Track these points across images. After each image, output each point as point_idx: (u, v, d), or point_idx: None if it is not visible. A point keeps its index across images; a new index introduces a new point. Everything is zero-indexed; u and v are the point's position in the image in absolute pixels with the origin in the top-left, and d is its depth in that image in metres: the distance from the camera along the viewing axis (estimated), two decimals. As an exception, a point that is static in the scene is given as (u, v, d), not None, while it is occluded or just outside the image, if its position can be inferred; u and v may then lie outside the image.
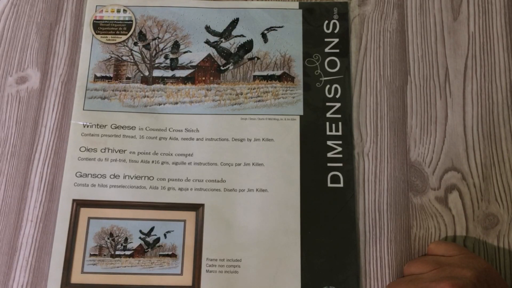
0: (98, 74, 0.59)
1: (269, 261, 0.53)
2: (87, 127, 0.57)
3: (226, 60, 0.60)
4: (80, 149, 0.56)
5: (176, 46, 0.60)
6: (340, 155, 0.56)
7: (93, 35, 0.60)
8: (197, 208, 0.54)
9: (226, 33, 0.60)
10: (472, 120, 0.57)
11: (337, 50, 0.60)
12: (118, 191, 0.54)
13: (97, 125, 0.57)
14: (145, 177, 0.55)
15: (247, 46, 0.60)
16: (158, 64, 0.59)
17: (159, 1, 0.61)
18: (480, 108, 0.57)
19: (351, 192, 0.55)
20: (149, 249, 0.53)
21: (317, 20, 0.61)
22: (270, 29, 0.60)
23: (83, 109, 0.57)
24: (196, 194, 0.55)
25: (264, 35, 0.60)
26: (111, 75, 0.59)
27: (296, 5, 0.61)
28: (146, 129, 0.57)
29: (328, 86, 0.58)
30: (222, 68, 0.59)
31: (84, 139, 0.56)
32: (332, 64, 0.59)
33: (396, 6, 0.61)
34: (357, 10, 0.61)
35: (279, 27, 0.60)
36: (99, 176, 0.55)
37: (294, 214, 0.54)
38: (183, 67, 0.59)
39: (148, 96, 0.58)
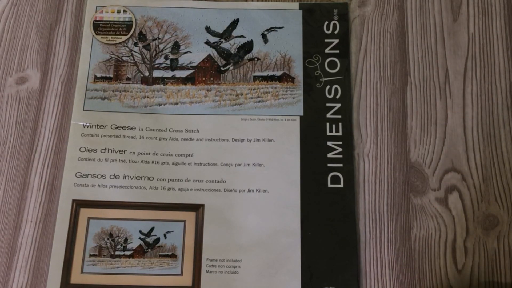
0: (98, 75, 0.59)
1: (269, 261, 0.52)
2: (87, 127, 0.57)
3: (226, 61, 0.60)
4: (80, 150, 0.56)
5: (176, 46, 0.60)
6: (340, 156, 0.56)
7: (93, 35, 0.60)
8: (197, 208, 0.54)
9: (226, 34, 0.60)
10: (472, 121, 0.57)
11: (337, 51, 0.60)
12: (118, 191, 0.54)
13: (97, 125, 0.57)
14: (145, 177, 0.55)
15: (247, 46, 0.60)
16: (158, 65, 0.59)
17: (159, 2, 0.61)
18: (480, 109, 0.57)
19: (351, 192, 0.55)
20: (149, 250, 0.53)
21: (317, 21, 0.61)
22: (270, 29, 0.60)
23: (83, 110, 0.57)
24: (196, 194, 0.55)
25: (264, 36, 0.60)
26: (111, 76, 0.59)
27: (296, 6, 0.61)
28: (146, 129, 0.57)
29: (328, 86, 0.58)
30: (222, 68, 0.59)
31: (84, 139, 0.56)
32: (332, 64, 0.59)
33: (396, 7, 0.61)
34: (357, 11, 0.61)
35: (279, 27, 0.60)
36: (99, 176, 0.55)
37: (294, 214, 0.54)
38: (183, 68, 0.59)
39: (148, 97, 0.58)
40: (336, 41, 0.60)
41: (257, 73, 0.59)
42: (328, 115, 0.57)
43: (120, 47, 0.60)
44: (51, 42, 0.60)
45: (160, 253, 0.53)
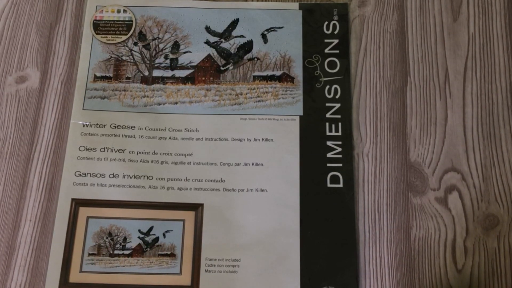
0: (98, 74, 0.59)
1: (268, 261, 0.52)
2: (87, 126, 0.57)
3: (226, 61, 0.60)
4: (79, 149, 0.56)
5: (176, 46, 0.60)
6: (340, 156, 0.56)
7: (93, 35, 0.60)
8: (196, 208, 0.54)
9: (226, 34, 0.60)
10: (472, 120, 0.57)
11: (337, 51, 0.60)
12: (117, 190, 0.54)
13: (97, 124, 0.57)
14: (144, 176, 0.55)
15: (247, 46, 0.60)
16: (158, 64, 0.59)
17: (159, 1, 0.61)
18: (480, 109, 0.57)
19: (351, 192, 0.55)
20: (148, 249, 0.53)
21: (317, 21, 0.61)
22: (270, 29, 0.60)
23: (83, 109, 0.57)
24: (195, 194, 0.54)
25: (264, 36, 0.60)
26: (111, 75, 0.59)
27: (296, 6, 0.61)
28: (145, 128, 0.57)
29: (328, 86, 0.58)
30: (222, 68, 0.59)
31: (83, 138, 0.56)
32: (332, 64, 0.59)
33: (396, 7, 0.61)
34: (357, 11, 0.61)
35: (279, 27, 0.60)
36: (98, 175, 0.55)
37: (294, 214, 0.54)
38: (183, 67, 0.59)
39: (147, 96, 0.58)
40: (336, 41, 0.60)
41: (256, 73, 0.59)
42: (328, 115, 0.57)
43: (120, 47, 0.60)
44: (51, 41, 0.60)
45: (159, 252, 0.53)
